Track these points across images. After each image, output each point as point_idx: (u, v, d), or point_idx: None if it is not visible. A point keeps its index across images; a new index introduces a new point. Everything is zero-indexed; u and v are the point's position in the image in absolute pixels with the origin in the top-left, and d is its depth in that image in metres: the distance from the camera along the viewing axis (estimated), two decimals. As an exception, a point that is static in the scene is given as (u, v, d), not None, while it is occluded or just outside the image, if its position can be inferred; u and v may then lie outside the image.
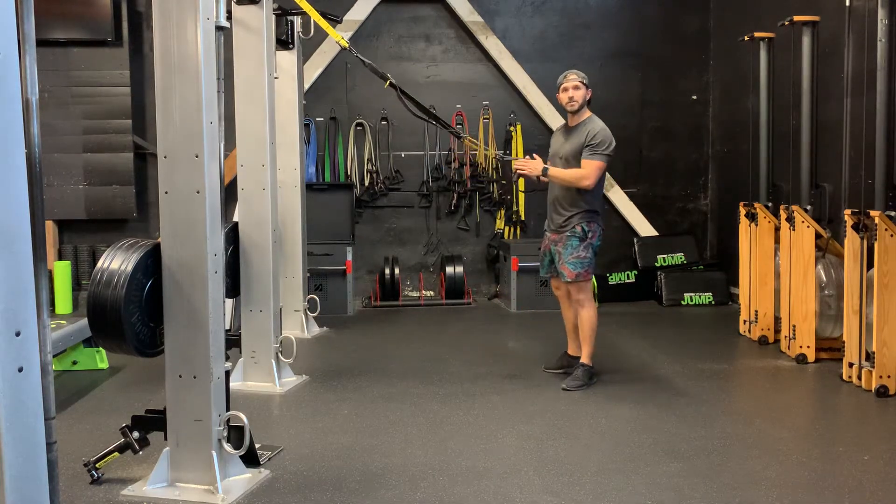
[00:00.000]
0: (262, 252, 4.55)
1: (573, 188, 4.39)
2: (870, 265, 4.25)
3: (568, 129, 4.54)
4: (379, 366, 5.04)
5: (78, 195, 7.13)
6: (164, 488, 2.99)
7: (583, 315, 4.49)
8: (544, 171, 4.41)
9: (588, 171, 4.33)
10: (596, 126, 4.40)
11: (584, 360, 4.50)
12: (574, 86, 4.43)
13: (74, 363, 4.94)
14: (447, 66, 7.80)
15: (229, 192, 4.62)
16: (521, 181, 7.46)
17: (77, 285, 7.06)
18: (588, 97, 4.47)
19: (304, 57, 6.59)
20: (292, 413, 4.12)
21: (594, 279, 4.52)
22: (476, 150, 7.68)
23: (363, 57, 4.90)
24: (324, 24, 5.20)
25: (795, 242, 4.97)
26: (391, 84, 4.82)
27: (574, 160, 4.41)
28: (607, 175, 7.65)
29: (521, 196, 7.73)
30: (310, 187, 6.73)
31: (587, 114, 4.49)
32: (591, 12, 7.85)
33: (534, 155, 4.52)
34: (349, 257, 6.89)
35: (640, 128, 7.95)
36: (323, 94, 7.62)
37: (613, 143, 4.41)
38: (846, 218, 4.38)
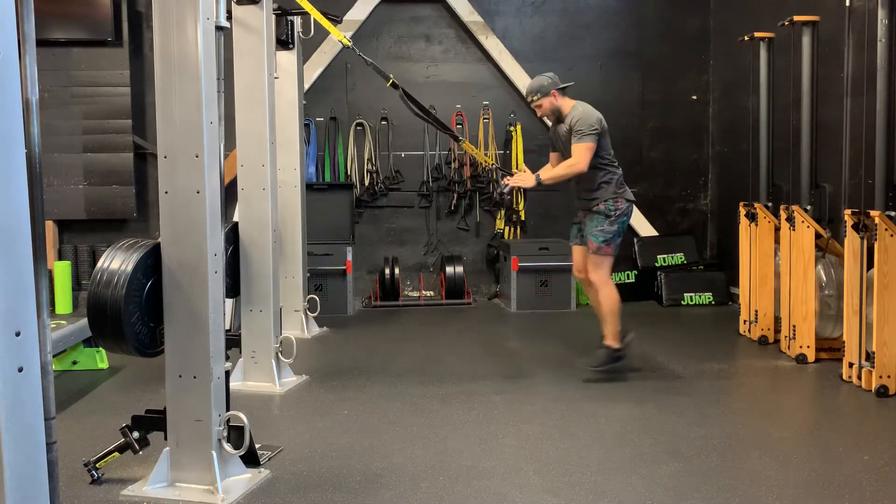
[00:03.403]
0: (262, 252, 4.55)
1: (585, 174, 4.45)
2: (870, 265, 4.25)
3: (558, 125, 4.64)
4: (379, 366, 5.04)
5: (78, 195, 7.13)
6: (164, 488, 2.99)
7: (601, 296, 4.53)
8: (537, 179, 4.48)
9: (576, 156, 4.40)
10: (575, 112, 4.47)
11: (607, 341, 4.52)
12: (536, 105, 4.58)
13: (74, 363, 4.94)
14: (447, 66, 7.79)
15: (229, 192, 4.62)
16: (518, 197, 7.44)
17: (77, 285, 7.05)
18: (555, 98, 4.53)
19: (304, 57, 6.58)
20: (292, 413, 4.12)
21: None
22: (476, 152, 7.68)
23: (365, 56, 4.91)
24: (326, 23, 5.20)
25: (795, 242, 4.96)
26: (393, 84, 4.83)
27: (570, 152, 4.50)
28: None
29: (522, 200, 7.72)
30: (310, 187, 6.73)
31: (567, 107, 4.54)
32: (591, 12, 7.85)
33: (524, 168, 4.62)
34: (349, 257, 6.89)
35: (640, 128, 7.94)
36: (323, 94, 7.62)
37: (594, 119, 4.44)
38: (846, 218, 4.38)
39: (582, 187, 4.59)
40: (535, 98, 4.57)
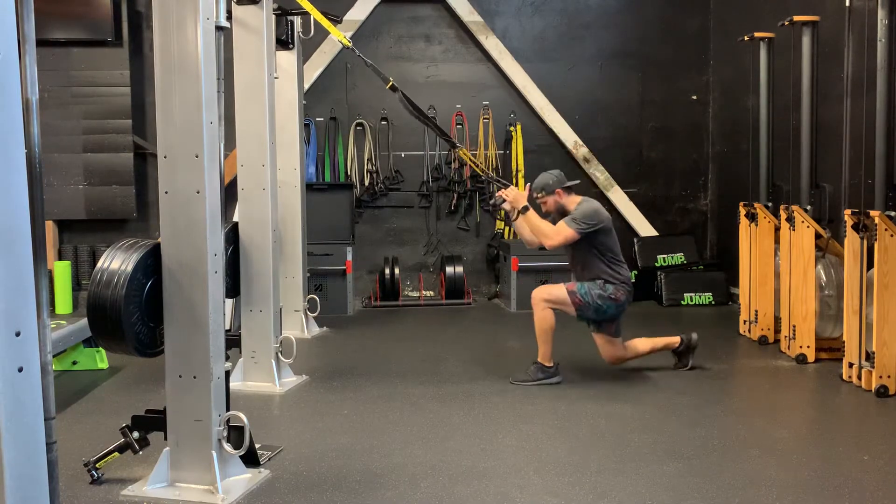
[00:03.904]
0: (262, 252, 4.55)
1: (593, 264, 4.45)
2: (870, 265, 4.25)
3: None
4: (379, 366, 5.04)
5: (78, 195, 7.13)
6: (164, 488, 2.99)
7: (535, 316, 4.51)
8: (524, 209, 4.43)
9: (555, 232, 4.37)
10: (582, 206, 4.47)
11: (541, 360, 4.53)
12: (541, 202, 4.59)
13: (74, 363, 4.94)
14: (447, 66, 7.80)
15: (229, 192, 4.62)
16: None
17: (77, 285, 7.06)
18: (559, 197, 4.54)
19: (304, 57, 6.59)
20: (292, 413, 4.12)
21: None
22: (475, 152, 7.68)
23: (365, 57, 4.91)
24: (327, 23, 5.20)
25: (795, 242, 4.97)
26: (392, 86, 4.84)
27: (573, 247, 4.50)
28: (607, 175, 7.74)
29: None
30: (310, 187, 6.73)
31: (572, 204, 4.52)
32: (591, 12, 7.85)
33: (519, 185, 4.57)
34: (349, 257, 6.89)
35: (640, 128, 7.95)
36: (323, 94, 7.62)
37: (594, 217, 4.40)
38: (846, 218, 4.38)
39: (585, 272, 4.53)
40: (538, 196, 4.57)
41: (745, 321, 5.80)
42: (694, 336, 4.78)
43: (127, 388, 4.54)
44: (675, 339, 4.78)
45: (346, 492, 2.99)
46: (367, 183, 7.70)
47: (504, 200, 4.52)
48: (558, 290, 4.49)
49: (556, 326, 4.51)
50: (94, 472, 3.08)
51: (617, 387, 4.47)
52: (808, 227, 4.89)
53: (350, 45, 5.07)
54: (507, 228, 7.76)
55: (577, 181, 4.72)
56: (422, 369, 4.92)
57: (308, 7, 5.10)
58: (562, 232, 4.37)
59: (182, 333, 2.96)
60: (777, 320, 5.39)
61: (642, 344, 4.74)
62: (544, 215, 4.59)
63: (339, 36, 5.17)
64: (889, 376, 4.16)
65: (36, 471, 1.80)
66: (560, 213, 4.59)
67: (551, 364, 4.53)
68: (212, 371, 2.96)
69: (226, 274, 3.60)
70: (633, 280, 6.35)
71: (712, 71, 7.89)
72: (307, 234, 6.26)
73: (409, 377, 4.71)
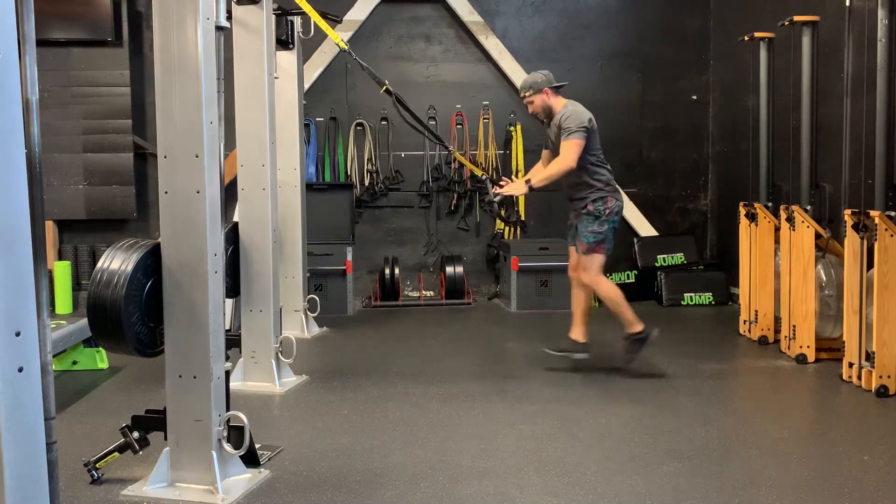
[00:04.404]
0: (262, 252, 4.55)
1: (574, 174, 4.48)
2: (870, 265, 4.25)
3: (550, 126, 4.67)
4: (379, 366, 5.04)
5: (78, 195, 7.13)
6: (164, 488, 2.99)
7: (600, 295, 4.59)
8: (528, 185, 4.50)
9: (564, 153, 4.43)
10: (565, 112, 4.51)
11: (630, 329, 4.56)
12: (527, 101, 4.62)
13: (74, 363, 4.94)
14: (447, 66, 7.80)
15: (229, 192, 4.62)
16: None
17: (77, 285, 7.05)
18: (547, 96, 4.57)
19: (304, 57, 6.58)
20: (292, 413, 4.12)
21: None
22: (475, 152, 7.68)
23: (361, 60, 4.91)
24: (324, 25, 5.21)
25: (795, 242, 4.97)
26: (387, 90, 4.85)
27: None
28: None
29: (522, 198, 7.71)
30: (310, 187, 6.73)
31: (559, 106, 4.58)
32: (591, 12, 7.85)
33: (513, 178, 4.64)
34: (349, 257, 6.89)
35: (640, 128, 7.95)
36: (323, 94, 7.62)
37: (584, 117, 4.47)
38: (846, 218, 4.38)
39: (571, 188, 4.61)
40: (527, 94, 4.60)
41: (745, 321, 5.80)
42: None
43: (127, 388, 4.54)
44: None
45: (346, 492, 2.99)
46: (367, 183, 7.70)
47: (499, 196, 4.55)
48: (589, 261, 4.53)
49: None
50: (94, 472, 3.08)
51: (617, 387, 4.46)
52: (808, 227, 4.89)
53: (347, 47, 5.07)
54: (506, 228, 7.76)
55: (566, 82, 4.72)
56: (422, 369, 4.92)
57: (307, 8, 5.11)
58: (571, 150, 4.40)
59: (182, 333, 2.96)
60: (777, 320, 5.39)
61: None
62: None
63: (336, 39, 5.17)
64: (889, 376, 4.16)
65: (36, 471, 1.80)
66: (546, 113, 4.61)
67: (641, 327, 4.57)
68: (212, 371, 2.96)
69: (226, 274, 3.60)
70: (631, 280, 6.34)
71: (712, 71, 7.89)
72: (307, 234, 6.26)
73: (409, 377, 4.71)
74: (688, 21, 7.90)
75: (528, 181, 4.51)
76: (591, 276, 4.56)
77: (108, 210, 7.17)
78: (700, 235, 7.95)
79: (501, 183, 4.69)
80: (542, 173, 4.57)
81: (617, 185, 4.66)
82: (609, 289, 4.58)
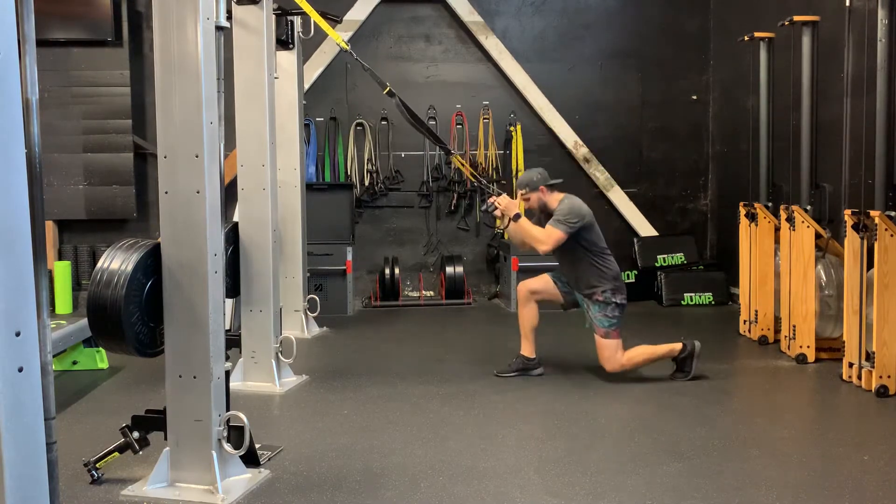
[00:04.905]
0: (262, 252, 4.55)
1: (583, 266, 4.48)
2: (870, 265, 4.24)
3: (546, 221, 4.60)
4: (379, 366, 5.04)
5: (78, 195, 7.13)
6: (164, 488, 2.99)
7: (638, 364, 4.55)
8: (516, 216, 4.47)
9: (546, 234, 4.41)
10: (563, 205, 4.49)
11: (673, 356, 4.57)
12: (524, 198, 4.61)
13: (74, 363, 4.94)
14: (447, 66, 7.80)
15: (229, 192, 4.62)
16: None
17: (77, 285, 7.06)
18: (543, 193, 4.56)
19: (304, 57, 6.59)
20: (292, 413, 4.12)
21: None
22: (475, 152, 7.68)
23: (363, 60, 4.91)
24: (325, 25, 5.20)
25: (795, 242, 4.96)
26: (390, 92, 4.84)
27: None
28: (607, 175, 7.74)
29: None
30: (310, 187, 6.73)
31: (555, 202, 4.55)
32: (591, 12, 7.85)
33: (520, 193, 4.61)
34: (349, 257, 6.89)
35: (640, 128, 7.95)
36: (323, 94, 7.62)
37: (577, 212, 4.42)
38: (846, 218, 4.38)
39: (577, 277, 4.55)
40: (522, 192, 4.60)
41: (745, 321, 5.80)
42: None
43: (127, 388, 4.54)
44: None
45: (346, 492, 2.99)
46: (367, 183, 7.70)
47: (496, 207, 4.54)
48: (609, 344, 4.45)
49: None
50: (94, 472, 3.08)
51: (617, 387, 4.46)
52: (808, 227, 4.89)
53: (348, 48, 5.07)
54: (506, 229, 7.75)
55: (561, 179, 4.72)
56: (422, 369, 4.92)
57: (307, 8, 5.10)
58: (552, 235, 4.39)
59: (182, 333, 2.96)
60: (777, 320, 5.39)
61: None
62: (528, 214, 4.61)
63: (337, 39, 5.17)
64: (889, 376, 4.16)
65: (36, 471, 1.80)
66: (542, 210, 4.61)
67: (680, 346, 4.57)
68: (212, 371, 2.96)
69: (226, 274, 3.60)
70: (631, 280, 6.32)
71: (712, 71, 7.89)
72: (307, 234, 6.26)
73: (409, 377, 4.71)
74: (688, 21, 7.90)
75: (517, 214, 4.47)
76: (617, 361, 4.47)
77: (108, 210, 7.18)
78: (700, 235, 7.95)
79: (500, 192, 4.69)
80: (530, 228, 4.48)
81: (623, 283, 4.57)
82: (640, 356, 4.52)
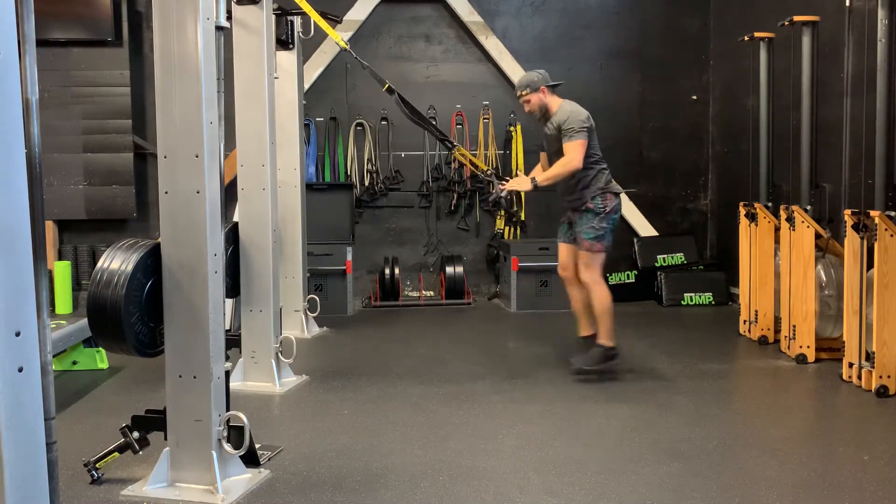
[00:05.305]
0: (262, 252, 4.55)
1: (571, 176, 4.47)
2: (870, 265, 4.24)
3: (547, 126, 4.64)
4: (379, 366, 5.04)
5: (78, 195, 7.13)
6: (164, 488, 2.99)
7: (593, 295, 4.53)
8: (534, 182, 4.48)
9: (570, 154, 4.42)
10: (562, 112, 4.50)
11: (602, 339, 4.53)
12: (524, 100, 4.59)
13: (74, 363, 4.94)
14: (447, 66, 7.80)
15: (229, 192, 4.62)
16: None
17: (77, 285, 7.05)
18: (543, 95, 4.56)
19: (304, 57, 6.58)
20: (292, 413, 4.12)
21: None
22: (475, 152, 7.68)
23: (362, 59, 4.91)
24: (324, 25, 5.21)
25: (795, 242, 4.96)
26: (389, 89, 4.85)
27: (557, 151, 4.53)
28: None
29: (523, 196, 7.70)
30: (310, 187, 6.73)
31: (555, 106, 4.57)
32: (591, 12, 7.85)
33: (517, 173, 4.61)
34: (349, 257, 6.89)
35: (640, 128, 7.95)
36: (323, 94, 7.62)
37: (583, 116, 4.47)
38: (846, 218, 4.38)
39: (568, 187, 4.59)
40: (524, 93, 4.58)
41: (745, 321, 5.80)
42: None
43: (127, 388, 4.54)
44: (612, 342, 4.55)
45: (346, 492, 2.99)
46: (367, 183, 7.70)
47: (505, 192, 4.54)
48: (590, 259, 4.49)
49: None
50: (94, 472, 3.08)
51: (617, 387, 4.46)
52: (808, 227, 4.89)
53: (347, 47, 5.07)
54: (506, 228, 7.76)
55: (562, 81, 4.72)
56: (422, 369, 4.92)
57: (306, 8, 5.11)
58: (576, 150, 4.39)
59: (182, 333, 2.96)
60: (777, 320, 5.39)
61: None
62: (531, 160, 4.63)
63: (336, 38, 5.17)
64: (889, 376, 4.16)
65: (36, 471, 1.80)
66: (542, 112, 4.59)
67: (614, 343, 4.54)
68: (212, 371, 2.96)
69: (226, 274, 3.60)
70: (631, 280, 6.30)
71: (712, 71, 7.89)
72: (307, 234, 6.26)
73: (409, 377, 4.71)
74: (688, 21, 7.90)
75: (532, 179, 4.49)
76: (591, 274, 4.52)
77: (108, 210, 7.17)
78: (700, 235, 7.95)
79: (506, 179, 4.69)
80: (548, 172, 4.52)
81: (616, 185, 4.65)
82: (604, 295, 4.51)
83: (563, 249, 4.75)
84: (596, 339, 4.58)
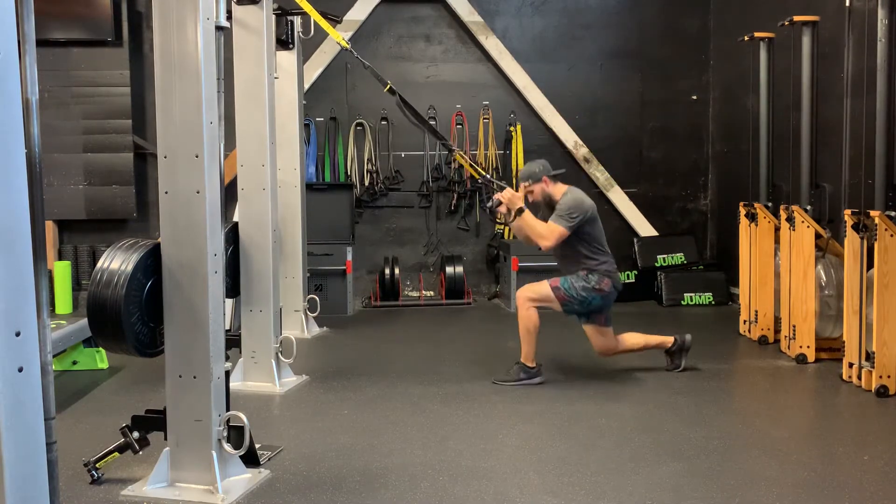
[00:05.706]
0: (262, 252, 4.55)
1: (574, 260, 4.48)
2: (870, 265, 4.25)
3: (550, 212, 4.58)
4: (379, 366, 5.04)
5: (78, 195, 7.13)
6: (164, 488, 2.99)
7: (520, 313, 4.51)
8: (519, 210, 4.44)
9: (548, 232, 4.38)
10: (566, 198, 4.47)
11: (524, 361, 4.52)
12: (527, 191, 4.57)
13: (74, 363, 4.94)
14: (447, 66, 7.79)
15: (229, 192, 4.62)
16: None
17: (77, 285, 7.05)
18: (546, 185, 4.56)
19: (304, 57, 6.58)
20: (292, 413, 4.12)
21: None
22: (475, 152, 7.68)
23: (363, 59, 4.92)
24: (325, 25, 5.21)
25: (795, 242, 4.96)
26: (391, 89, 4.85)
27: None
28: (607, 175, 7.74)
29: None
30: (310, 187, 6.73)
31: (559, 193, 4.54)
32: (591, 12, 7.85)
33: (523, 186, 4.59)
34: (349, 257, 6.89)
35: (640, 128, 7.95)
36: (323, 94, 7.62)
37: (579, 209, 4.41)
38: (846, 218, 4.38)
39: (568, 266, 4.55)
40: (526, 185, 4.58)
41: (745, 321, 5.80)
42: (688, 337, 4.76)
43: (127, 388, 4.54)
44: (669, 339, 4.75)
45: (346, 492, 2.99)
46: (367, 183, 7.70)
47: (500, 203, 4.52)
48: (541, 288, 4.50)
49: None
50: (94, 472, 3.08)
51: (617, 387, 4.47)
52: (808, 227, 4.89)
53: (349, 47, 5.08)
54: (506, 229, 7.75)
55: (563, 170, 4.71)
56: (422, 369, 4.92)
57: (307, 8, 5.11)
58: (554, 231, 4.38)
59: (182, 333, 2.96)
60: (777, 320, 5.39)
61: (634, 338, 4.72)
62: (532, 207, 4.59)
63: (337, 38, 5.18)
64: (889, 376, 4.16)
65: (36, 471, 1.80)
66: (546, 202, 4.59)
67: (534, 364, 4.52)
68: (212, 371, 2.96)
69: (226, 274, 3.60)
70: (631, 280, 6.27)
71: (712, 71, 7.89)
72: (307, 234, 6.26)
73: (409, 377, 4.71)
74: (688, 21, 7.90)
75: (522, 209, 4.44)
76: (527, 292, 4.47)
77: (108, 210, 7.17)
78: (700, 235, 7.95)
79: (504, 186, 4.67)
80: (532, 219, 4.44)
81: (618, 278, 4.57)
82: (531, 315, 4.46)
83: (588, 331, 4.65)
84: (521, 360, 4.53)
